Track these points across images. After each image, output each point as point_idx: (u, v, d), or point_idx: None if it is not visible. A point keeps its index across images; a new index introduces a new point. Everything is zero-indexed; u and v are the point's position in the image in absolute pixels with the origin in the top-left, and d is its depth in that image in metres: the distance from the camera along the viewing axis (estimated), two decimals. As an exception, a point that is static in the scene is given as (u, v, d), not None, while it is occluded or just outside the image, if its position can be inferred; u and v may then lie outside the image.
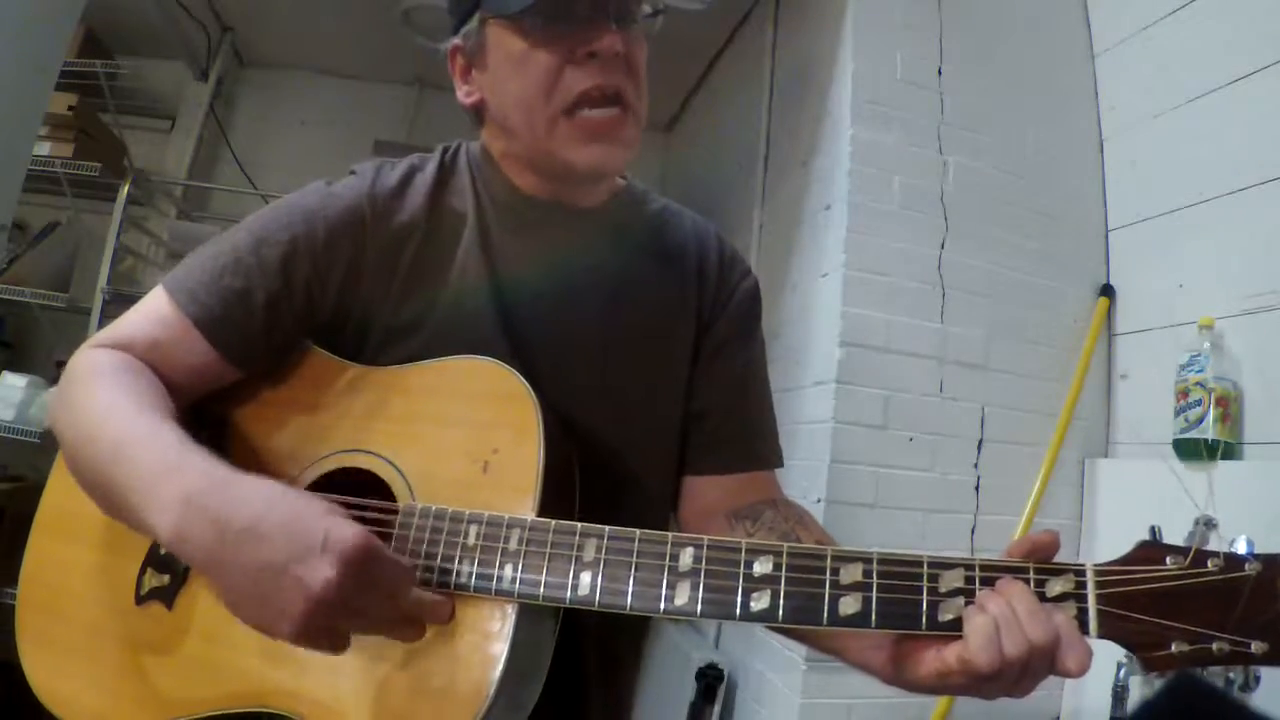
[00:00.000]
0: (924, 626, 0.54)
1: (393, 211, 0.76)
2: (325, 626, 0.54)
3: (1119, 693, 1.33)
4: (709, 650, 2.01)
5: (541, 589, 0.59)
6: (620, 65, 0.71)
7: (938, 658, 0.55)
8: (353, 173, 0.79)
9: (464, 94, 0.78)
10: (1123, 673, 1.33)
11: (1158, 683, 1.23)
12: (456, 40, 0.76)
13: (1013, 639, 0.51)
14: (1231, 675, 1.14)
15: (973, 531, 1.77)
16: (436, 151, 0.82)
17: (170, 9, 2.82)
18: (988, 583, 0.55)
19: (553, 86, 0.70)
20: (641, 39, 0.74)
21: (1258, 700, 1.12)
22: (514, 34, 0.71)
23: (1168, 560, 0.53)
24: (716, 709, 1.90)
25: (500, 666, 0.58)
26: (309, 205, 0.75)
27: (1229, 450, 1.50)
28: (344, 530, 0.54)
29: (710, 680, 1.91)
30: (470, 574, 0.61)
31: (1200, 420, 1.52)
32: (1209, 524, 1.38)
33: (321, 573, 0.52)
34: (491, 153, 0.80)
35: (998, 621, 0.52)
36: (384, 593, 0.56)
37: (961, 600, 0.54)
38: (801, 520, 0.78)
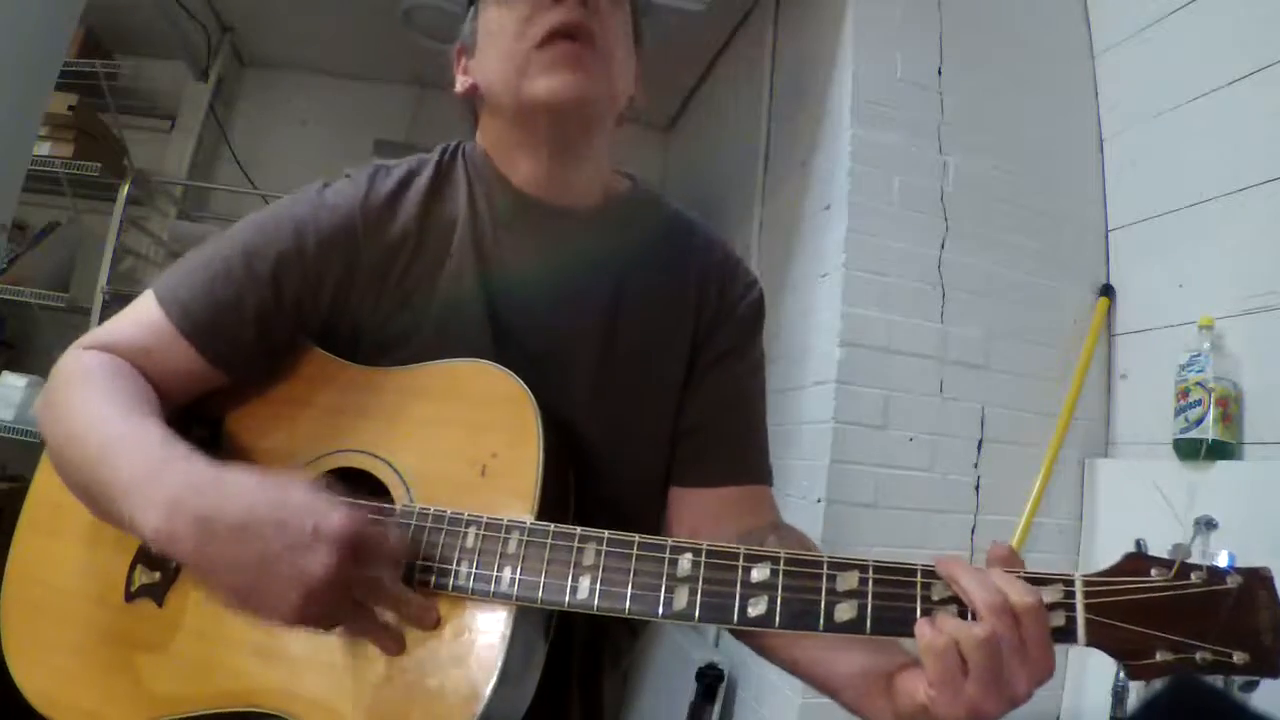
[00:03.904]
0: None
1: (385, 223, 0.74)
2: (325, 610, 0.55)
3: (1119, 693, 1.33)
4: (709, 650, 2.01)
5: (540, 592, 0.59)
6: (579, 4, 0.72)
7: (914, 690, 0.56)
8: (348, 176, 0.77)
9: (460, 85, 0.80)
10: (1122, 674, 1.33)
11: (1158, 683, 1.23)
12: (461, 40, 0.81)
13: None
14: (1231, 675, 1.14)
15: (973, 531, 1.76)
16: (435, 153, 0.81)
17: (170, 9, 2.82)
18: None
19: (523, 31, 0.73)
20: None
21: (1258, 700, 1.11)
22: (495, 5, 0.75)
23: (1153, 572, 0.54)
24: (716, 709, 1.90)
25: (497, 670, 0.58)
26: (301, 215, 0.74)
27: (1229, 450, 1.51)
28: (331, 516, 0.54)
29: (710, 680, 1.91)
30: (469, 575, 0.60)
31: (1200, 420, 1.52)
32: (1209, 524, 1.38)
33: (319, 559, 0.53)
34: (486, 147, 0.79)
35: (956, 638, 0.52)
36: (383, 567, 0.58)
37: (954, 608, 0.54)
38: (803, 545, 0.76)
